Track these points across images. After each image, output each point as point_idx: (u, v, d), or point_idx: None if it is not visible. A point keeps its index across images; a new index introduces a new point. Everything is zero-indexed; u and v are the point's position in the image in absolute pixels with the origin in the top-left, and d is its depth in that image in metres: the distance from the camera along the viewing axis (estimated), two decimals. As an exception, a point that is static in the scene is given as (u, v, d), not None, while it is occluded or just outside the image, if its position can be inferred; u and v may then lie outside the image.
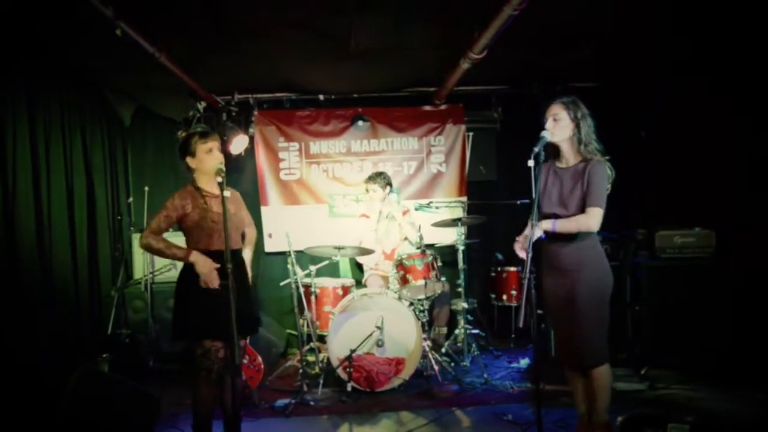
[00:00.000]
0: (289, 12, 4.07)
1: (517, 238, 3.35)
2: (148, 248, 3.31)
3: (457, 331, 5.53)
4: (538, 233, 3.18)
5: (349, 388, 4.55)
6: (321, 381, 4.77)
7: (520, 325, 2.87)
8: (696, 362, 4.74)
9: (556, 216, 3.26)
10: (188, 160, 3.37)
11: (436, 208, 5.95)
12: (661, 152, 6.09)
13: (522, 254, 3.26)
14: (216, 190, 3.36)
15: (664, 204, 5.99)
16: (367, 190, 5.79)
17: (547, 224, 3.21)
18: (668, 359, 4.85)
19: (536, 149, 3.13)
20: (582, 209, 3.18)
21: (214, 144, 3.39)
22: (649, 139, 6.30)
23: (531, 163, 3.09)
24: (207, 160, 3.33)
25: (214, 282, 3.19)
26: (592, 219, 3.15)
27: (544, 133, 3.24)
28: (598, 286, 3.23)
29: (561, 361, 3.45)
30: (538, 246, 3.33)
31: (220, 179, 3.16)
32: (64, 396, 2.56)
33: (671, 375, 4.72)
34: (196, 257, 3.22)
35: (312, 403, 4.49)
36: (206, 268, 3.21)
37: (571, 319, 3.22)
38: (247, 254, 3.64)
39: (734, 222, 5.02)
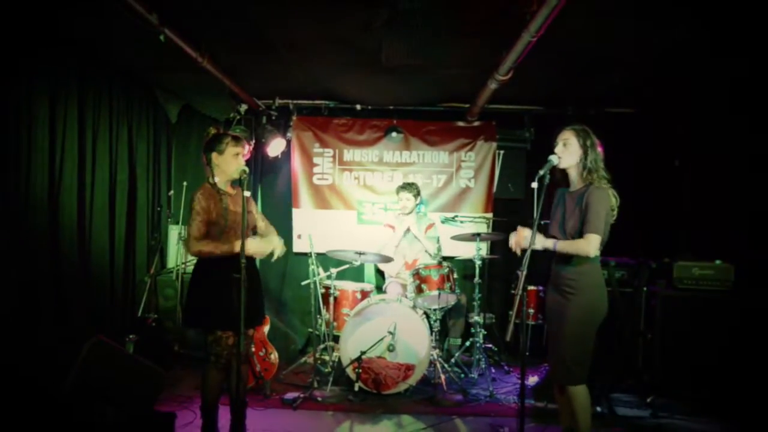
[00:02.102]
0: (324, 27, 4.29)
1: (520, 229, 3.39)
2: (199, 255, 3.44)
3: (468, 343, 5.64)
4: (539, 244, 3.27)
5: (356, 388, 4.74)
6: (331, 379, 4.96)
7: (507, 339, 2.99)
8: (704, 395, 4.75)
9: (556, 239, 3.37)
10: (213, 155, 3.57)
11: (461, 222, 6.07)
12: (694, 182, 6.07)
13: (512, 242, 3.40)
14: (230, 190, 3.63)
15: (692, 233, 5.97)
16: (399, 199, 5.98)
17: (549, 243, 3.32)
18: (676, 389, 4.86)
19: (542, 172, 3.25)
20: (578, 233, 3.28)
21: (242, 150, 3.62)
22: (683, 168, 6.29)
23: (535, 185, 3.22)
24: (232, 163, 3.56)
25: (271, 248, 3.58)
26: (589, 245, 3.23)
27: (551, 157, 3.37)
28: (590, 311, 3.32)
29: (550, 376, 3.55)
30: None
31: (242, 178, 3.40)
32: (75, 365, 2.82)
33: (677, 405, 4.73)
34: (248, 247, 3.40)
35: (319, 399, 4.69)
36: (258, 248, 3.52)
37: (559, 337, 3.34)
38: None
39: (756, 257, 5.00)
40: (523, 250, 3.24)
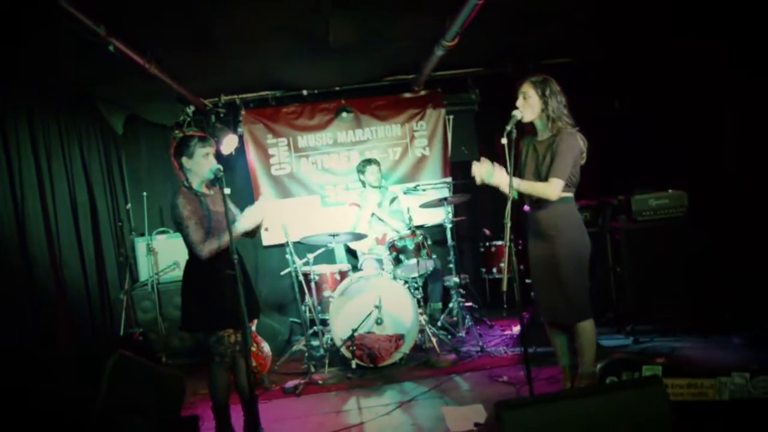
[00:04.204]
0: (270, 17, 4.29)
1: (483, 160, 3.47)
2: (211, 255, 3.42)
3: (451, 305, 5.81)
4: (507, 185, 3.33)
5: (353, 366, 4.85)
6: (326, 361, 5.03)
7: (504, 288, 3.14)
8: (676, 316, 5.06)
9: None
10: (184, 160, 3.54)
11: (423, 190, 6.20)
12: (636, 120, 6.36)
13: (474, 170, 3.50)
14: (206, 190, 3.63)
15: (640, 169, 6.27)
16: (369, 173, 6.07)
17: (514, 182, 3.36)
18: (650, 315, 5.16)
19: (508, 127, 3.34)
20: None
21: (211, 149, 3.60)
22: (624, 108, 6.58)
23: (504, 140, 3.32)
24: (204, 164, 3.53)
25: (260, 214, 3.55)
26: (550, 188, 3.41)
27: (514, 112, 3.47)
28: (577, 247, 3.50)
29: (545, 319, 3.72)
30: (524, 215, 3.62)
31: (218, 176, 3.41)
32: (102, 382, 2.81)
33: (654, 330, 5.04)
34: (243, 224, 3.50)
35: (320, 382, 4.76)
36: (257, 216, 3.53)
37: (555, 280, 3.49)
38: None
39: (704, 183, 5.33)
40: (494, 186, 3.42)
